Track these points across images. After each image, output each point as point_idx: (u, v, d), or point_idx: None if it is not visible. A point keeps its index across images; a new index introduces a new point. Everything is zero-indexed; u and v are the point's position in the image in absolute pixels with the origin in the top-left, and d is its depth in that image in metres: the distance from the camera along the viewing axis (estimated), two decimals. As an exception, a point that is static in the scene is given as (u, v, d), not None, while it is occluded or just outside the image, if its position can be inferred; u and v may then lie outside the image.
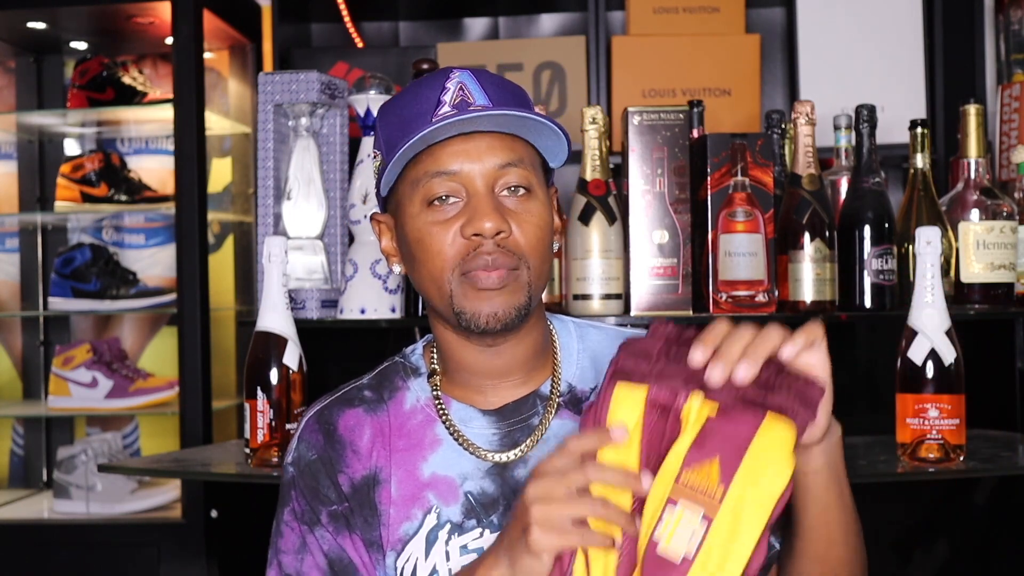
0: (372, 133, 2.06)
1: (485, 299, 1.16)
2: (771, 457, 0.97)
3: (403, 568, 1.19)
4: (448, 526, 1.19)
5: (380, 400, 1.26)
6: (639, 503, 0.99)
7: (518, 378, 1.24)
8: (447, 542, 1.19)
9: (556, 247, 1.25)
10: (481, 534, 1.19)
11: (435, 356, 1.28)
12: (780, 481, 0.96)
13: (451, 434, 1.23)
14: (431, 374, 1.26)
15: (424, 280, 1.20)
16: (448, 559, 1.18)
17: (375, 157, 1.24)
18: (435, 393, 1.25)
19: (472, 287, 1.16)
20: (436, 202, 1.17)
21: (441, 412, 1.24)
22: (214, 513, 2.88)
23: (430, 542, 1.19)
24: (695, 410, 0.99)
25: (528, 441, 1.22)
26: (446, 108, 1.16)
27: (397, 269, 1.26)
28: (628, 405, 1.01)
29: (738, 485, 0.96)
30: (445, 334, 1.23)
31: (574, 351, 1.28)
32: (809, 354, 1.00)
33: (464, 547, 1.19)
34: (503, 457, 1.21)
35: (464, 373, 1.24)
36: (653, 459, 0.99)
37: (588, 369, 1.27)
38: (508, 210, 1.17)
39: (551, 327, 1.30)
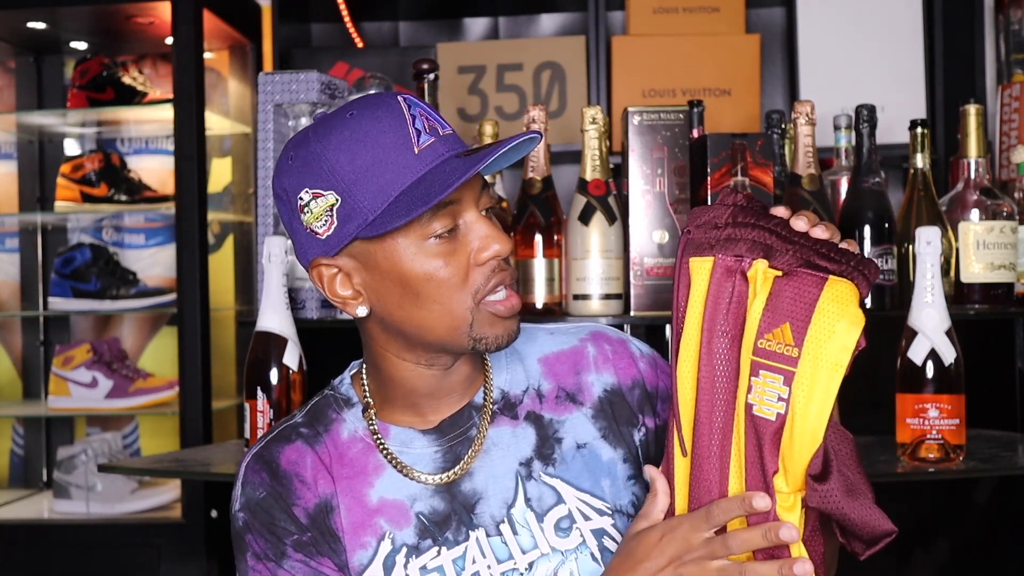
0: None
1: (502, 325, 1.17)
2: (840, 312, 1.02)
3: None
4: (404, 549, 1.18)
5: (316, 434, 1.23)
6: (731, 370, 1.05)
7: (458, 393, 1.23)
8: (406, 565, 1.17)
9: None
10: (438, 552, 1.18)
11: (366, 388, 1.24)
12: (854, 332, 1.01)
13: (392, 464, 1.21)
14: (365, 408, 1.24)
15: (430, 317, 1.15)
16: None
17: (317, 196, 1.13)
18: (372, 427, 1.22)
19: (493, 314, 1.16)
20: (440, 237, 1.14)
21: (379, 444, 1.21)
22: (214, 513, 2.88)
23: (388, 567, 1.17)
24: (761, 272, 1.04)
25: (470, 453, 1.21)
26: (424, 136, 1.13)
27: (362, 312, 1.17)
28: (701, 277, 1.07)
29: (811, 342, 1.01)
30: (398, 364, 1.20)
31: (502, 356, 1.27)
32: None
33: (423, 567, 1.17)
34: (446, 477, 1.20)
35: (409, 398, 1.22)
36: (719, 321, 1.05)
37: (518, 371, 1.27)
38: None
39: None
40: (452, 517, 1.19)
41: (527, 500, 1.20)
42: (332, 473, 1.20)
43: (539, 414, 1.24)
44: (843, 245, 1.08)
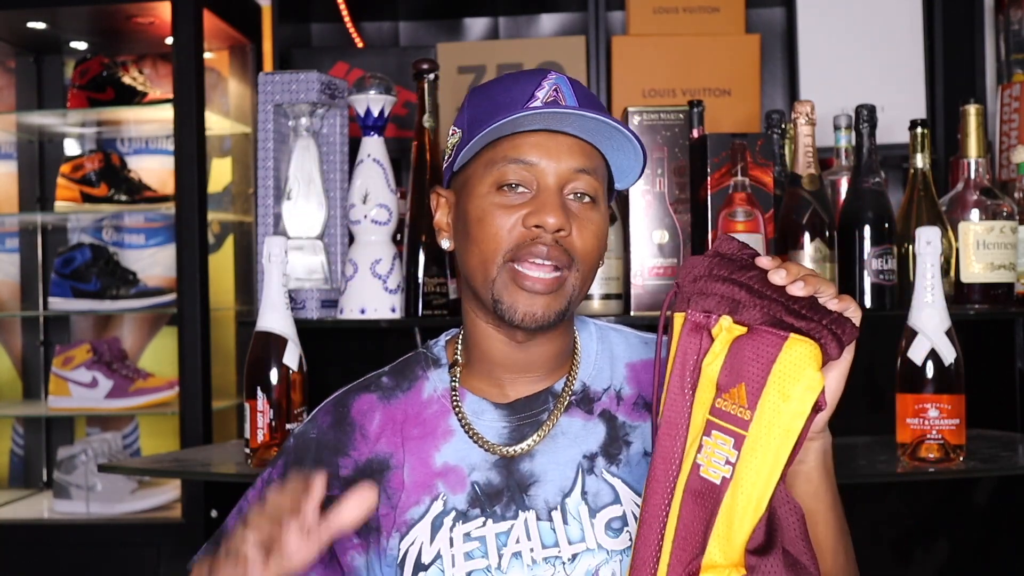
0: (372, 133, 2.06)
1: (525, 297, 1.19)
2: (798, 374, 0.97)
3: (407, 550, 1.23)
4: (453, 513, 1.23)
5: (397, 388, 1.30)
6: (684, 429, 1.01)
7: (537, 375, 1.28)
8: (452, 528, 1.22)
9: (601, 263, 1.28)
10: (484, 523, 1.22)
11: (458, 348, 1.31)
12: (809, 397, 0.97)
13: (462, 426, 1.26)
14: (452, 365, 1.30)
15: (473, 260, 1.22)
16: (452, 545, 1.21)
17: (453, 134, 1.27)
18: (452, 384, 1.29)
19: (516, 284, 1.19)
20: (506, 188, 1.20)
21: (455, 404, 1.27)
22: (214, 513, 2.88)
23: (435, 527, 1.22)
24: (724, 329, 1.01)
25: (535, 436, 1.25)
26: (538, 103, 1.19)
27: (446, 245, 1.29)
28: (676, 333, 1.04)
29: (764, 406, 0.97)
30: (476, 322, 1.27)
31: (593, 352, 1.32)
32: (849, 311, 1.03)
33: (467, 535, 1.22)
34: (510, 451, 1.25)
35: (486, 364, 1.28)
36: (686, 378, 1.02)
37: (604, 369, 1.31)
38: (571, 212, 1.21)
39: (573, 328, 1.33)
40: (504, 493, 1.23)
41: (584, 493, 1.23)
42: (402, 432, 1.27)
43: (614, 414, 1.28)
44: (830, 302, 1.02)
